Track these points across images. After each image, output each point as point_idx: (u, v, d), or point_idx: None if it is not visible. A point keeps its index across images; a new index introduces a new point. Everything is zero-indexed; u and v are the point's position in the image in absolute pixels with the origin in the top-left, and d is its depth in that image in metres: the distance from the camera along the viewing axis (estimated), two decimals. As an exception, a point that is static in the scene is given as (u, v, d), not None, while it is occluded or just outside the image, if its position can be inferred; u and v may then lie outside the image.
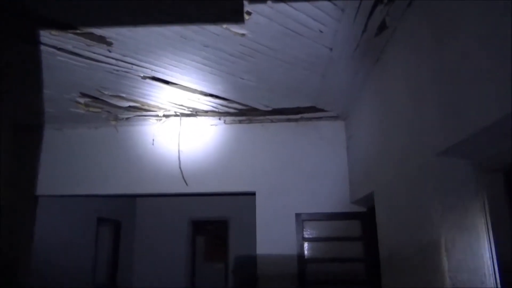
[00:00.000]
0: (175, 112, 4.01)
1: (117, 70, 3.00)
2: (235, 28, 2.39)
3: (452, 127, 1.58)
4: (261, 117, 4.14)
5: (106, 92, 3.45)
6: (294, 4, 2.13)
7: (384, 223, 2.76)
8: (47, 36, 2.50)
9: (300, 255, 3.90)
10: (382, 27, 2.29)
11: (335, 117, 4.15)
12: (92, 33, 2.47)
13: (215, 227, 8.70)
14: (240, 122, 4.26)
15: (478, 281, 1.65)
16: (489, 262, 1.66)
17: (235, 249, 7.69)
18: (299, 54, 2.73)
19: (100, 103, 3.69)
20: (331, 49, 2.64)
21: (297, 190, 4.07)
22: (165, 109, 3.93)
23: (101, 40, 2.55)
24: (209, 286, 8.43)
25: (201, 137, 4.28)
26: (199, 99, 3.62)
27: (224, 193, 4.44)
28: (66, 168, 4.27)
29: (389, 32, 2.33)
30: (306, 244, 3.96)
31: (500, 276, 1.65)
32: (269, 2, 2.11)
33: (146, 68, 2.97)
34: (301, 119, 4.19)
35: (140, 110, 3.91)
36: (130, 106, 3.79)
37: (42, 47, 2.65)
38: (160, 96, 3.56)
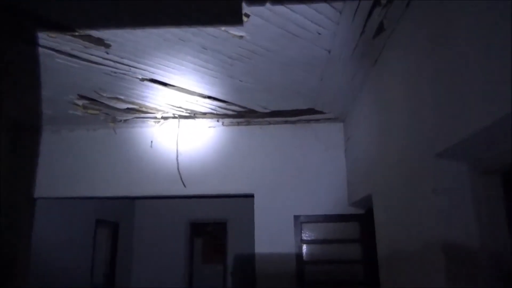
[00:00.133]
0: (174, 114, 4.01)
1: (115, 72, 3.00)
2: (234, 30, 2.39)
3: (450, 128, 1.58)
4: (260, 119, 4.14)
5: (104, 94, 3.44)
6: (292, 7, 2.13)
7: (382, 224, 2.76)
8: (45, 38, 2.50)
9: (299, 257, 3.90)
10: (380, 29, 2.30)
11: (333, 119, 4.15)
12: (90, 35, 2.47)
13: (213, 228, 8.70)
14: (238, 124, 4.26)
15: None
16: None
17: (234, 251, 7.68)
18: (297, 56, 2.73)
19: (98, 105, 3.69)
20: (329, 51, 2.64)
21: (295, 192, 4.07)
22: (163, 111, 3.93)
23: (99, 42, 2.55)
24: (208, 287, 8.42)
25: (199, 139, 4.28)
26: (197, 101, 3.62)
27: (222, 195, 4.44)
28: (64, 170, 4.26)
29: (387, 34, 2.34)
30: (304, 246, 3.96)
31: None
32: (267, 5, 2.11)
33: (144, 70, 2.97)
34: (299, 121, 4.19)
35: (138, 112, 3.90)
36: (128, 108, 3.79)
37: (40, 49, 2.64)
38: (158, 98, 3.55)
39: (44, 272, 4.65)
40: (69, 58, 2.77)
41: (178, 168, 4.17)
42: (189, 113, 3.98)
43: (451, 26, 1.55)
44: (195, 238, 8.52)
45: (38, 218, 4.37)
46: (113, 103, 3.65)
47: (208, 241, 9.32)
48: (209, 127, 4.30)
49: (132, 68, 2.94)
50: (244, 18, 2.25)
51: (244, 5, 2.12)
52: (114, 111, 3.87)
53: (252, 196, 4.12)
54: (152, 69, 2.96)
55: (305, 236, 3.98)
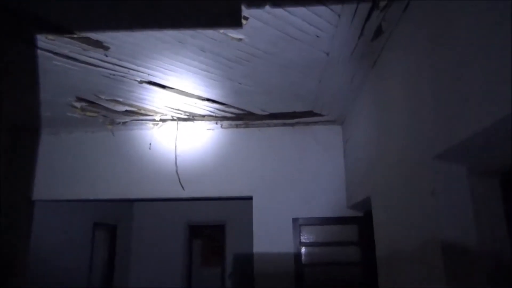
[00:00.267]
0: (172, 116, 4.01)
1: (114, 75, 3.00)
2: (233, 33, 2.40)
3: (449, 130, 1.58)
4: (258, 122, 4.15)
5: (102, 97, 3.44)
6: (291, 9, 2.14)
7: (381, 225, 2.76)
8: (44, 41, 2.50)
9: (298, 260, 3.89)
10: (379, 31, 2.30)
11: (332, 122, 4.16)
12: (88, 38, 2.47)
13: (212, 231, 8.67)
14: (237, 126, 4.26)
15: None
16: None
17: (232, 254, 7.66)
18: (296, 59, 2.74)
19: (96, 107, 3.68)
20: (327, 53, 2.65)
21: (294, 194, 4.07)
22: (162, 114, 3.93)
23: (98, 44, 2.55)
24: (206, 290, 8.40)
25: (198, 142, 4.28)
26: (196, 103, 3.62)
27: (221, 198, 4.43)
28: (63, 172, 4.25)
29: (385, 37, 2.35)
30: (303, 249, 3.95)
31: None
32: (266, 7, 2.11)
33: (143, 72, 2.97)
34: (298, 123, 4.19)
35: (137, 114, 3.90)
36: (126, 111, 3.78)
37: (39, 52, 2.64)
38: (156, 101, 3.55)
39: (42, 274, 4.64)
40: (68, 61, 2.77)
41: (176, 171, 4.17)
42: (187, 115, 3.98)
43: (451, 26, 1.56)
44: (193, 241, 8.50)
45: (36, 220, 4.36)
46: (111, 106, 3.64)
47: (206, 243, 9.29)
48: (208, 129, 4.30)
49: (130, 71, 2.94)
50: (243, 21, 2.25)
51: (243, 7, 2.13)
52: (112, 114, 3.86)
53: (250, 198, 4.12)
54: (150, 72, 2.96)
55: (304, 238, 3.98)
